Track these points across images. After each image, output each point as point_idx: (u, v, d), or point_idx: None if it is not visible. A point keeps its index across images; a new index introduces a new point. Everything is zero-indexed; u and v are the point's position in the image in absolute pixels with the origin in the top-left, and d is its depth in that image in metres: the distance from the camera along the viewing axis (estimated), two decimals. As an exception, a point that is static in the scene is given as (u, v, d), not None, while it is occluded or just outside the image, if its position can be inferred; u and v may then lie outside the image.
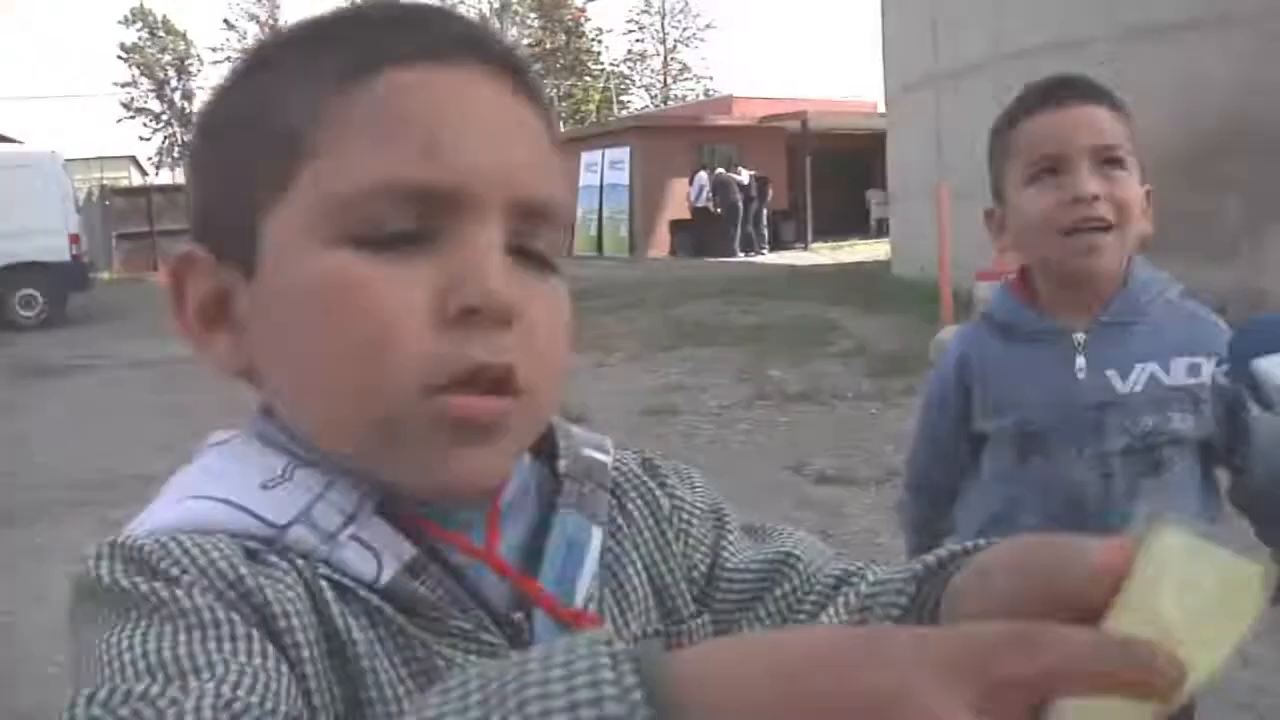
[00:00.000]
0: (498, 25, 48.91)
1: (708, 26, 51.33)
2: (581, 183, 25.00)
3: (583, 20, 50.40)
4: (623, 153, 23.36)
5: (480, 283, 0.54)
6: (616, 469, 0.71)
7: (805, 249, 21.44)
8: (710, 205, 20.92)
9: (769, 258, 19.93)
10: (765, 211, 21.47)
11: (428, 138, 0.55)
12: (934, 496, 1.62)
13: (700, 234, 21.41)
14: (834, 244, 21.71)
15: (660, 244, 22.71)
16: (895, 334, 8.25)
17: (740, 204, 20.68)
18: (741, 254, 20.53)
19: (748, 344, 8.76)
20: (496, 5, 50.04)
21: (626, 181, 23.14)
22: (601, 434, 0.75)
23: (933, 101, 11.17)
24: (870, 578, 0.66)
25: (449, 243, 0.55)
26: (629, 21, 57.57)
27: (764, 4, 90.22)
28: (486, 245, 0.55)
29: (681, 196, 21.97)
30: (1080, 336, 1.41)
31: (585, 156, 24.87)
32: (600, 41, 51.69)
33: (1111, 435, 1.38)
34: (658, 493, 0.72)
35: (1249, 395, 1.04)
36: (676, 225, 22.27)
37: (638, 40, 57.08)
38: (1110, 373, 1.39)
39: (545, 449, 0.67)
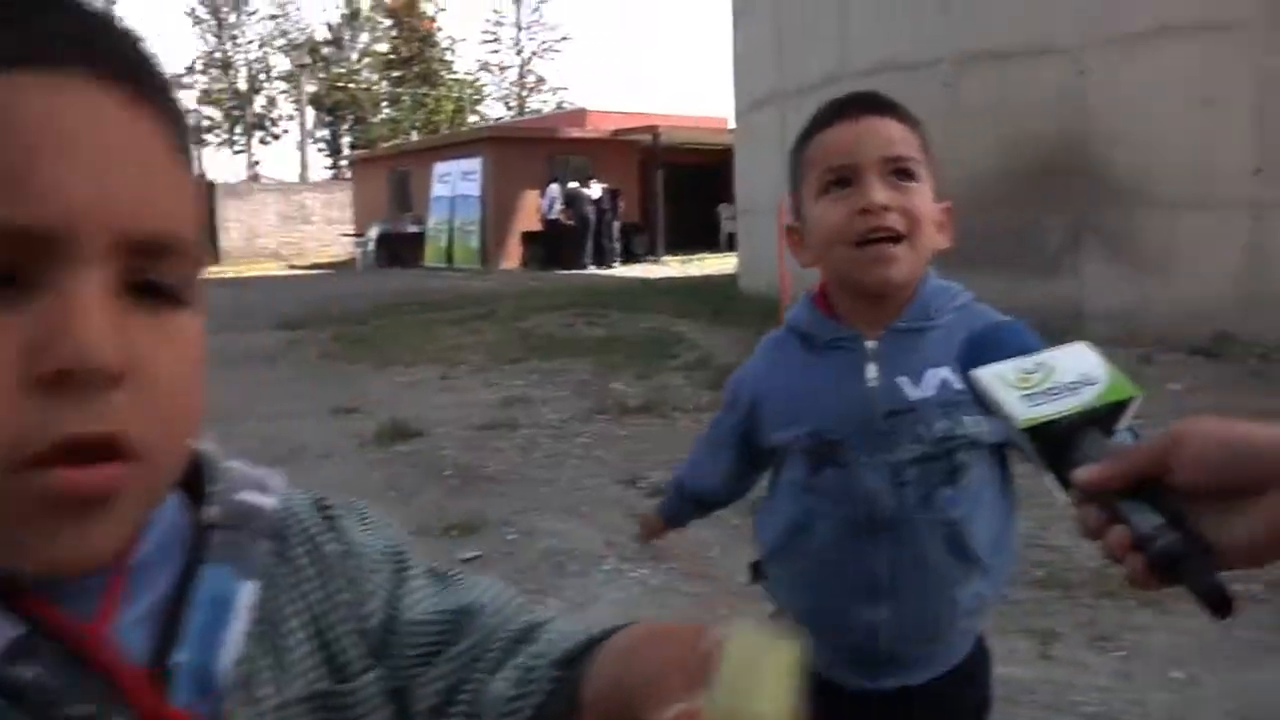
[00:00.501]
0: (349, 33, 47.87)
1: (563, 39, 51.19)
2: (433, 193, 24.60)
3: (434, 30, 49.71)
4: (475, 164, 23.09)
5: (75, 339, 0.46)
6: (280, 513, 0.64)
7: (656, 262, 21.56)
8: (562, 217, 20.86)
9: (620, 270, 19.94)
10: (617, 224, 21.54)
11: (11, 168, 0.46)
12: (692, 493, 1.67)
13: (552, 246, 21.32)
14: (685, 257, 21.91)
15: (512, 256, 22.51)
16: (740, 347, 8.19)
17: (592, 217, 20.69)
18: (593, 266, 20.52)
19: (593, 356, 8.67)
20: (347, 11, 48.98)
21: (478, 193, 22.88)
22: (268, 471, 0.65)
23: (778, 119, 11.34)
24: (550, 634, 0.64)
25: (43, 291, 0.47)
26: (484, 32, 57.19)
27: (620, 18, 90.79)
28: (85, 293, 0.47)
29: (534, 208, 21.85)
30: (872, 344, 1.39)
31: (438, 168, 24.49)
32: (453, 51, 51.11)
33: (904, 442, 1.36)
34: (326, 536, 0.66)
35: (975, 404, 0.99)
36: (528, 237, 22.13)
37: (493, 51, 56.74)
38: (902, 379, 1.37)
39: (200, 492, 0.60)
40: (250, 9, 49.06)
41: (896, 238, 1.33)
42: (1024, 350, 0.87)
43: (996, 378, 0.83)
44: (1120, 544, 0.67)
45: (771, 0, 11.48)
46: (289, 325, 12.51)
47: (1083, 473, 0.72)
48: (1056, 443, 0.78)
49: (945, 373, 1.36)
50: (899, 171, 1.35)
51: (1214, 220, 7.83)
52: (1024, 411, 0.79)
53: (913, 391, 1.36)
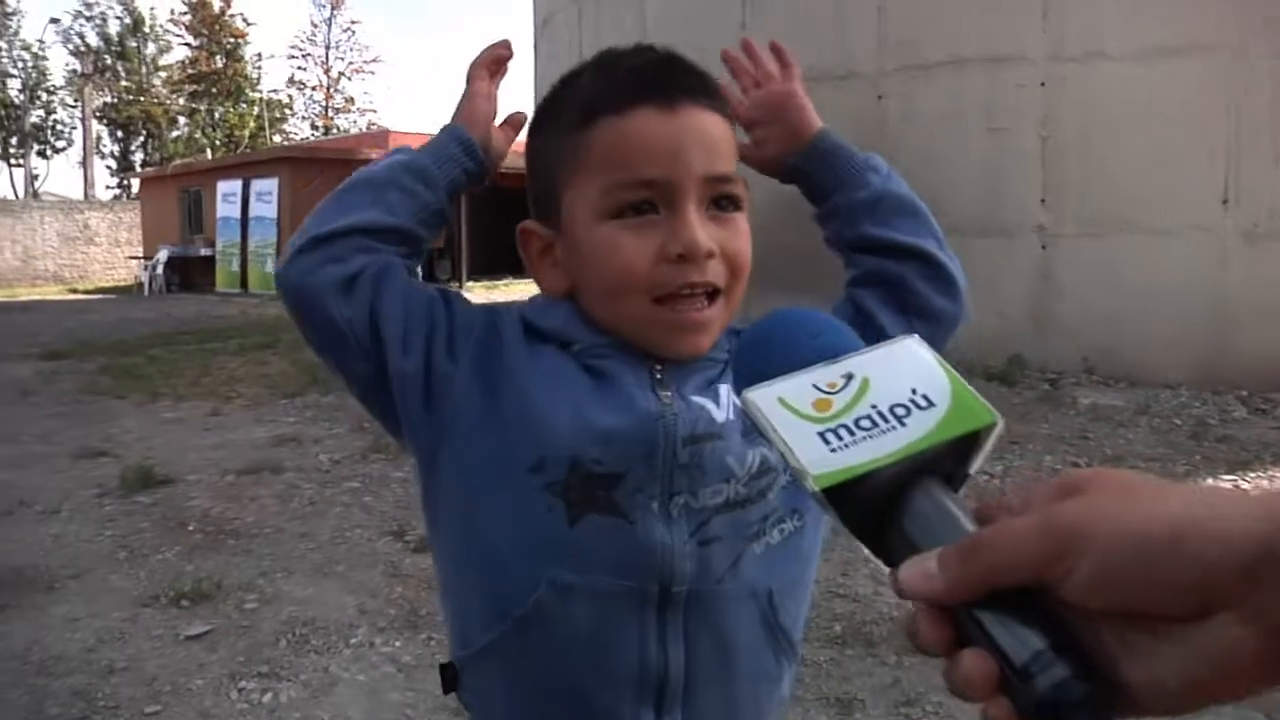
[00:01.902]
0: (136, 43, 45.29)
1: (375, 60, 49.86)
2: (219, 214, 23.36)
3: (244, 42, 47.64)
4: (271, 184, 21.97)
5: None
6: None
7: (460, 287, 20.96)
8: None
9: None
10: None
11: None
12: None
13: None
14: (489, 283, 21.43)
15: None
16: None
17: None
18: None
19: (381, 389, 8.08)
20: (129, 22, 46.28)
21: (275, 214, 21.77)
22: None
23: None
24: None
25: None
26: (293, 48, 55.25)
27: (431, 41, 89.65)
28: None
29: (334, 231, 20.94)
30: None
31: (221, 186, 23.28)
32: (260, 67, 49.08)
33: (712, 481, 0.95)
34: None
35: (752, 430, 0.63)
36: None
37: (300, 68, 54.80)
38: (699, 398, 0.96)
39: None
40: (14, 9, 45.67)
41: (713, 292, 0.95)
42: (823, 348, 0.58)
43: (779, 401, 0.55)
44: (979, 677, 0.45)
45: (569, 21, 11.20)
46: (53, 355, 11.42)
47: (914, 572, 0.48)
48: (873, 506, 0.51)
49: (734, 396, 0.96)
50: (721, 199, 0.97)
51: (1005, 246, 7.93)
52: (821, 459, 0.51)
53: (716, 413, 0.96)
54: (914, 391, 0.53)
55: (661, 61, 0.99)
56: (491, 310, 1.04)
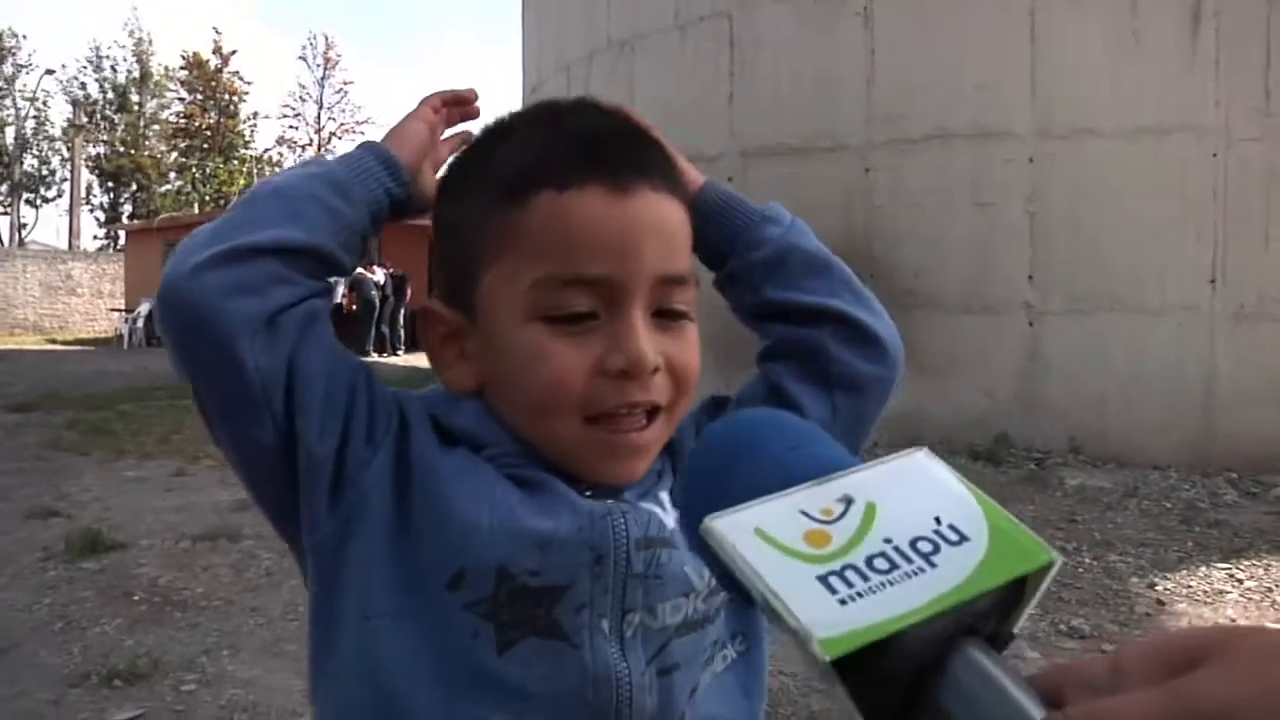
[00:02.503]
0: (135, 95, 45.57)
1: (366, 121, 50.26)
2: (208, 268, 23.29)
3: (240, 100, 47.93)
4: (257, 239, 21.92)
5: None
6: None
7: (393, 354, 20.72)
8: (345, 302, 19.86)
9: (404, 359, 19.07)
10: (403, 311, 20.67)
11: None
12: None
13: (335, 331, 20.35)
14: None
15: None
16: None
17: (377, 302, 19.79)
18: (375, 354, 19.56)
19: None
20: (135, 75, 46.59)
21: (259, 270, 21.68)
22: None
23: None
24: None
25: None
26: (285, 107, 55.76)
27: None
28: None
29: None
30: None
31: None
32: (254, 126, 49.34)
33: (671, 596, 0.78)
34: None
35: (709, 569, 0.45)
36: (310, 319, 21.01)
37: (292, 127, 55.14)
38: (645, 504, 0.81)
39: None
40: (23, 61, 45.97)
41: (654, 410, 0.80)
42: (807, 463, 0.45)
43: (756, 533, 0.40)
44: None
45: (557, 92, 11.19)
46: (20, 407, 11.19)
47: None
48: (899, 681, 0.37)
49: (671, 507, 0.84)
50: (670, 300, 0.80)
51: (992, 324, 7.82)
52: (829, 616, 0.37)
53: (665, 517, 0.81)
54: (938, 521, 0.42)
55: (613, 128, 0.83)
56: (396, 395, 0.86)
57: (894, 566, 0.40)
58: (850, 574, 0.40)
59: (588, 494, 0.81)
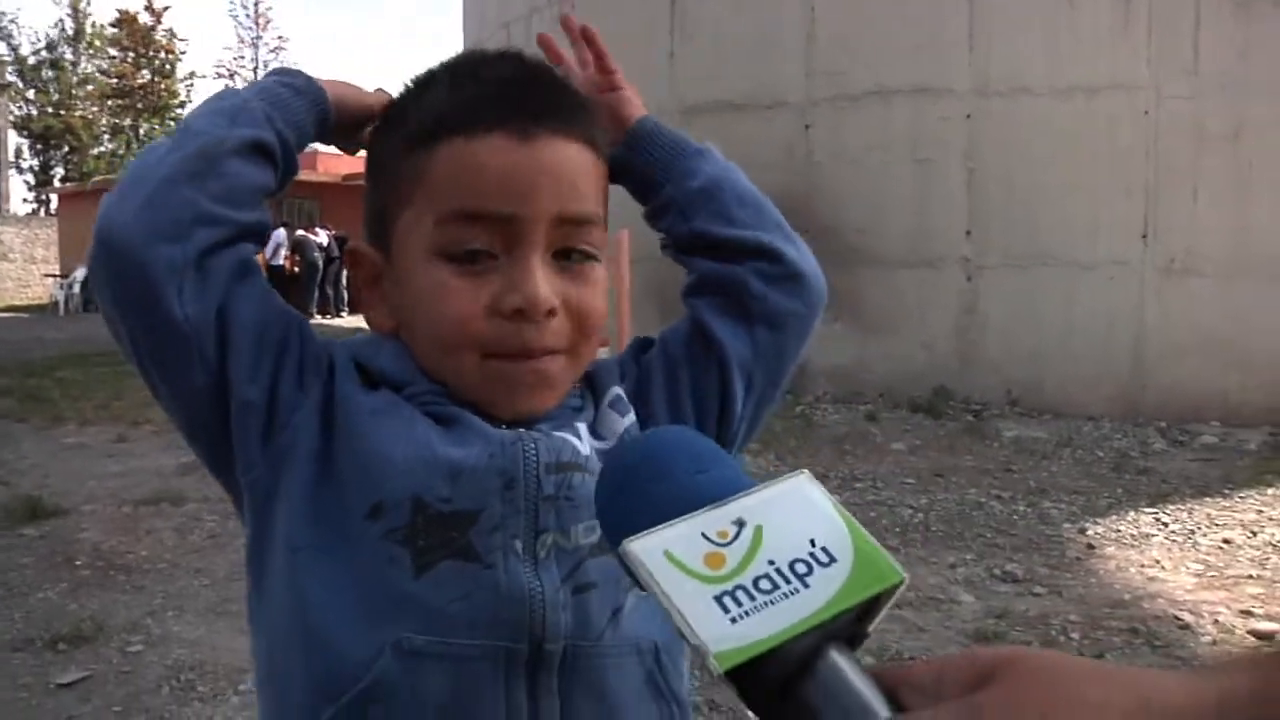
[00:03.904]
0: (69, 54, 44.23)
1: (305, 79, 49.05)
2: (144, 232, 22.87)
3: (175, 59, 46.68)
4: (194, 202, 21.56)
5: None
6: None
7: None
8: (287, 264, 19.61)
9: (346, 320, 18.91)
10: (345, 273, 20.49)
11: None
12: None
13: (277, 293, 20.14)
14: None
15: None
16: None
17: (320, 264, 19.57)
18: (318, 316, 19.38)
19: (297, 415, 7.82)
20: (69, 32, 45.18)
21: (197, 233, 21.35)
22: None
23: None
24: None
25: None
26: (218, 65, 54.42)
27: (363, 60, 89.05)
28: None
29: (258, 254, 20.56)
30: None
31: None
32: (191, 85, 48.11)
33: (584, 518, 0.80)
34: None
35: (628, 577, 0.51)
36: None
37: (229, 86, 53.80)
38: (557, 433, 0.83)
39: None
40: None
41: (555, 351, 0.83)
42: (709, 486, 0.52)
43: (665, 556, 0.48)
44: None
45: (499, 46, 11.08)
46: (-48, 376, 10.91)
47: None
48: (776, 681, 0.46)
49: (590, 438, 0.86)
50: (574, 240, 0.83)
51: (931, 278, 7.94)
52: (723, 633, 0.45)
53: (580, 444, 0.83)
54: (813, 544, 0.49)
55: (524, 78, 0.85)
56: (328, 344, 0.88)
57: (775, 587, 0.47)
58: (740, 594, 0.47)
59: (502, 427, 0.83)
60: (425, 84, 0.88)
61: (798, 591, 0.47)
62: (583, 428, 0.86)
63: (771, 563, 0.48)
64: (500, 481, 0.79)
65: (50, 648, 3.39)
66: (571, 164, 0.82)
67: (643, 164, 0.96)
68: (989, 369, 7.77)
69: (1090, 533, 4.73)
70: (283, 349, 0.83)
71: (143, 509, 5.21)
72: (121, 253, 0.78)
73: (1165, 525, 4.85)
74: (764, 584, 0.47)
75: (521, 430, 0.82)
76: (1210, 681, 0.44)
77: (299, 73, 0.91)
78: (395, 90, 0.92)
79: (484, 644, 0.77)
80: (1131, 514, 5.05)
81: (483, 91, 0.82)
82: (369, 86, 0.96)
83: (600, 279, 0.86)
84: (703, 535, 0.49)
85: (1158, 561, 4.32)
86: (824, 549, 0.49)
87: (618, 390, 0.90)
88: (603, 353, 0.94)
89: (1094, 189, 7.55)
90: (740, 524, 0.50)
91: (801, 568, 0.48)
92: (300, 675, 0.80)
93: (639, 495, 0.54)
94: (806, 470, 0.53)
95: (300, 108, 0.88)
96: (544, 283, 0.80)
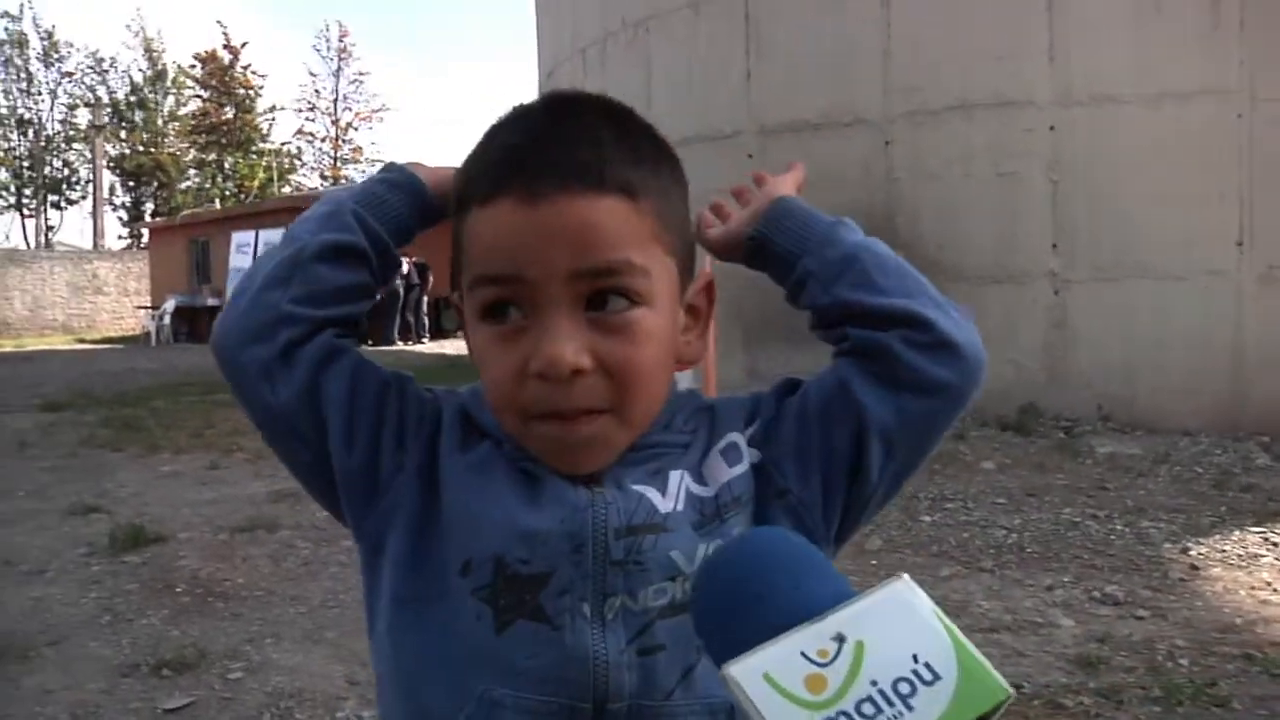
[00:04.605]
0: (154, 94, 45.78)
1: (383, 109, 50.30)
2: (231, 264, 23.47)
3: (255, 95, 48.05)
4: (280, 234, 22.06)
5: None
6: None
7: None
8: (370, 291, 20.01)
9: (428, 346, 19.19)
10: (425, 299, 20.78)
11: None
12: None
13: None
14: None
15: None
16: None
17: (401, 290, 19.89)
18: (400, 342, 19.68)
19: (383, 441, 7.92)
20: (150, 73, 46.79)
21: (282, 264, 21.90)
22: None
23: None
24: None
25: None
26: (299, 100, 55.84)
27: (436, 88, 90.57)
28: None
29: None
30: None
31: (237, 237, 23.43)
32: (272, 119, 49.50)
33: (654, 580, 0.82)
34: None
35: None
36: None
37: (309, 119, 55.20)
38: (639, 487, 0.85)
39: None
40: (64, 65, 46.24)
41: (594, 411, 0.82)
42: (807, 601, 0.51)
43: (765, 680, 0.47)
44: None
45: (574, 74, 11.18)
46: (54, 406, 11.34)
47: None
48: None
49: (686, 477, 0.86)
50: (607, 293, 0.81)
51: (1017, 294, 7.80)
52: None
53: (661, 502, 0.84)
54: (916, 659, 0.48)
55: (537, 138, 0.83)
56: (437, 399, 0.93)
57: (879, 711, 0.46)
58: (844, 717, 0.46)
59: (584, 482, 0.85)
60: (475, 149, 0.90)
61: (901, 715, 0.46)
62: (676, 476, 0.86)
63: (874, 683, 0.47)
64: (569, 545, 0.81)
65: (155, 673, 3.47)
66: (587, 218, 0.80)
67: (781, 239, 0.93)
68: (1079, 384, 7.59)
69: (1193, 553, 4.57)
70: (380, 416, 0.88)
71: (238, 536, 5.32)
72: (226, 358, 0.89)
73: (1276, 545, 4.67)
74: (866, 708, 0.47)
75: (597, 491, 0.84)
76: None
77: (399, 167, 0.97)
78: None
79: (553, 700, 0.80)
80: (1237, 533, 4.87)
81: (491, 158, 0.84)
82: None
83: (650, 327, 0.83)
84: (802, 655, 0.48)
85: (1269, 584, 4.15)
86: (927, 664, 0.48)
87: (735, 437, 0.89)
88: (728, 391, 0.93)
89: (1185, 197, 7.35)
90: (840, 639, 0.49)
91: (905, 687, 0.47)
92: (401, 715, 0.87)
93: (737, 612, 0.54)
94: (907, 575, 0.51)
95: (397, 202, 0.94)
96: (567, 341, 0.79)
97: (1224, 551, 4.59)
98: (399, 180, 0.95)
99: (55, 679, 3.49)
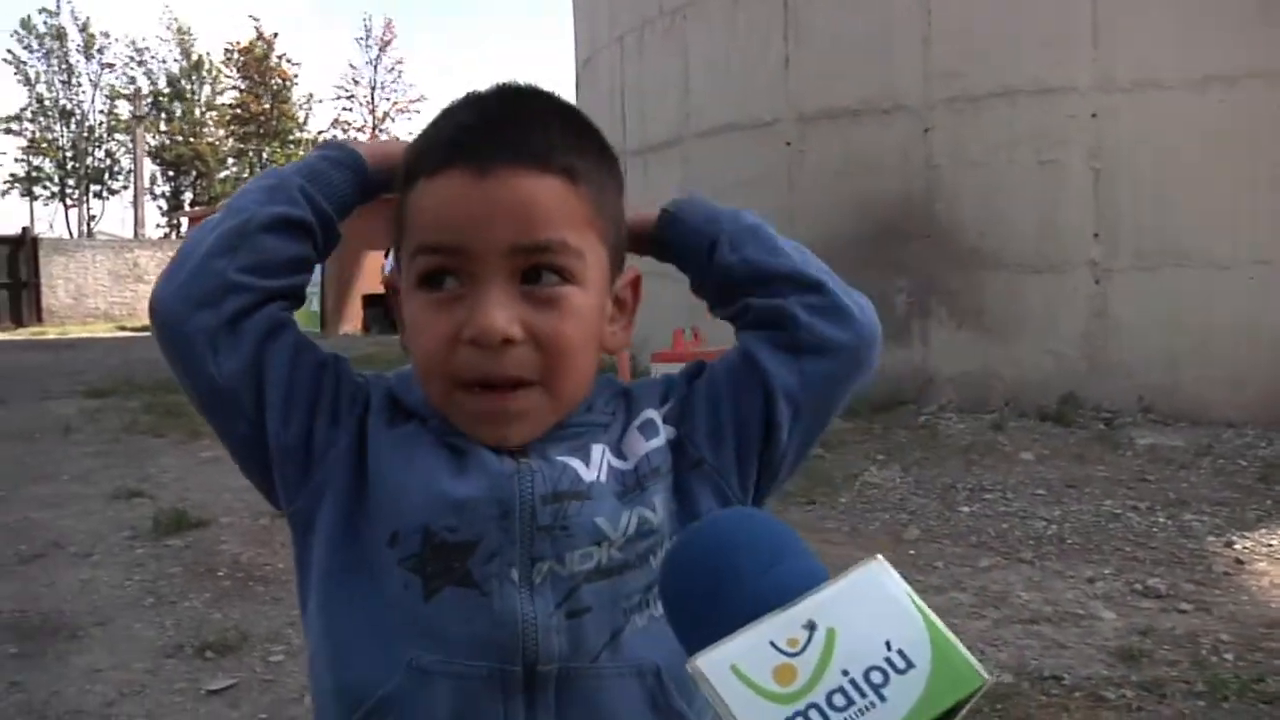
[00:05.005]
0: (191, 85, 46.25)
1: (420, 98, 50.52)
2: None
3: (290, 84, 48.43)
4: (316, 222, 22.23)
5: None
6: None
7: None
8: (388, 279, 20.13)
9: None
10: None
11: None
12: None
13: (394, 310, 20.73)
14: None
15: (353, 319, 21.64)
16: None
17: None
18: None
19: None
20: (186, 64, 47.25)
21: (319, 252, 22.03)
22: None
23: (626, 180, 10.99)
24: None
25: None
26: (338, 88, 56.15)
27: (475, 78, 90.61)
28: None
29: (376, 271, 21.03)
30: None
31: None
32: (309, 109, 49.88)
33: (580, 545, 0.87)
34: None
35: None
36: (370, 300, 21.29)
37: (346, 109, 55.55)
38: (565, 458, 0.89)
39: None
40: (105, 57, 46.88)
41: (520, 384, 0.86)
42: (778, 586, 0.49)
43: (733, 671, 0.45)
44: None
45: (611, 61, 11.16)
46: (97, 393, 11.51)
47: None
48: None
49: (607, 451, 0.91)
50: (540, 268, 0.86)
51: (1057, 283, 7.71)
52: None
53: (585, 472, 0.89)
54: (889, 646, 0.46)
55: (491, 119, 0.88)
56: (367, 382, 0.97)
57: (850, 703, 0.45)
58: (814, 713, 0.45)
59: (509, 453, 0.88)
60: (427, 126, 0.95)
61: (873, 706, 0.45)
62: (599, 449, 0.90)
63: (846, 673, 0.46)
64: (498, 511, 0.85)
65: (199, 655, 3.52)
66: (531, 195, 0.84)
67: (691, 213, 1.01)
68: (1120, 375, 7.49)
69: (1238, 547, 4.51)
70: (315, 395, 0.91)
71: (277, 521, 5.36)
72: (167, 323, 0.89)
73: (1323, 539, 4.60)
74: (838, 699, 0.45)
75: (523, 461, 0.87)
76: None
77: (340, 144, 1.01)
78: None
79: (483, 665, 0.83)
80: (1284, 528, 4.79)
81: (443, 135, 0.89)
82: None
83: (579, 304, 0.87)
84: (771, 645, 0.47)
85: (1315, 579, 4.09)
86: (900, 652, 0.46)
87: (651, 414, 0.94)
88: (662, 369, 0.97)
89: (1232, 184, 7.22)
90: (811, 627, 0.48)
91: (877, 676, 0.46)
92: (330, 688, 0.89)
93: (704, 599, 0.53)
94: (880, 556, 0.50)
95: (340, 179, 0.96)
96: (500, 310, 0.83)
97: (1270, 546, 4.52)
98: (341, 158, 0.98)
99: (103, 658, 3.55)
